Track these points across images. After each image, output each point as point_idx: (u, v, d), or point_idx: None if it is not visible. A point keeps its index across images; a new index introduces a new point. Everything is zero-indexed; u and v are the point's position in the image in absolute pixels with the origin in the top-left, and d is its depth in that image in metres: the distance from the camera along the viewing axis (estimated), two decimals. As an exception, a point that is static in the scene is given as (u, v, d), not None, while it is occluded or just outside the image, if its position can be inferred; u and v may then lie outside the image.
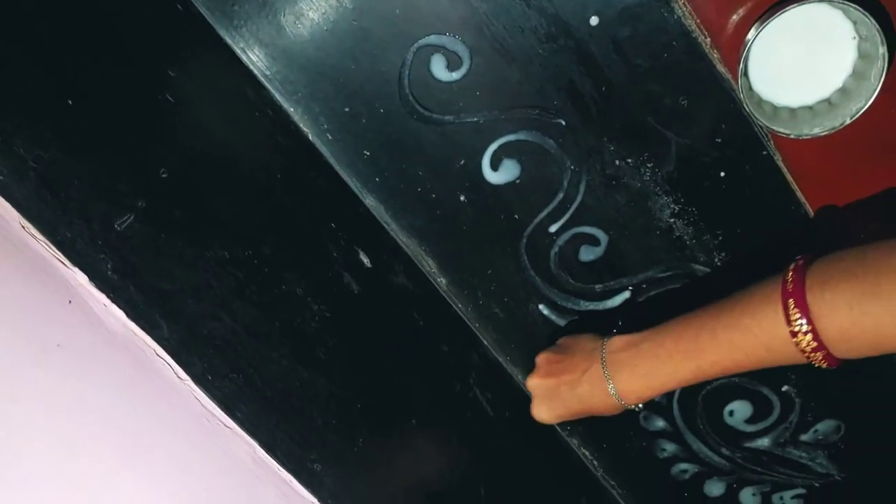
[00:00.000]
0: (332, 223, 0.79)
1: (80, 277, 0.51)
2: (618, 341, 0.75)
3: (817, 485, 0.99)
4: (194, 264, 0.60)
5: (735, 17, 0.73)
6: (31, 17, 0.56)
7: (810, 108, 0.76)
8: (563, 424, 0.99)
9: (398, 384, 0.77)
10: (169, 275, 0.58)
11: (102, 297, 0.52)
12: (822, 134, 0.74)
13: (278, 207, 0.74)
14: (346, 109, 0.81)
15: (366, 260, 0.81)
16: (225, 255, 0.64)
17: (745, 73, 0.73)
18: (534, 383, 0.80)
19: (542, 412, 0.80)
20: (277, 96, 0.80)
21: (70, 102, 0.57)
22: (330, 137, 0.82)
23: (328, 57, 0.78)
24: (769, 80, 0.75)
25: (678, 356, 0.69)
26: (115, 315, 0.52)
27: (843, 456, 0.97)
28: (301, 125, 0.82)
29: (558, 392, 0.78)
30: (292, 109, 0.81)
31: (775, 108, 0.76)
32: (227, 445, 0.56)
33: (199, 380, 0.55)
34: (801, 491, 1.00)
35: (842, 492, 0.99)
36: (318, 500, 0.60)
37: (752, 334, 0.64)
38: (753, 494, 1.02)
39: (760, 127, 0.79)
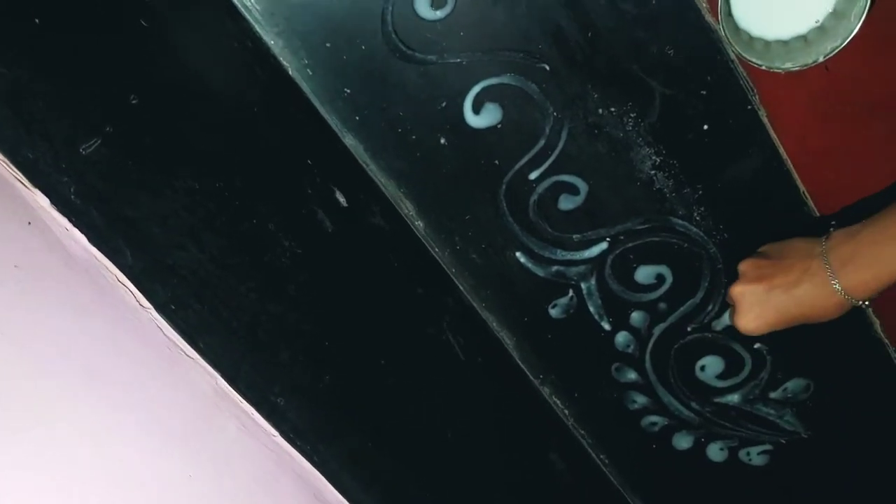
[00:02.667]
0: (309, 160, 0.78)
1: (42, 199, 0.51)
2: (838, 236, 0.71)
3: (784, 441, 1.00)
4: (162, 193, 0.59)
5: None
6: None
7: (785, 42, 0.74)
8: (536, 370, 1.00)
9: (369, 323, 0.77)
10: (135, 202, 0.57)
11: (64, 221, 0.51)
12: (794, 69, 0.73)
13: (253, 141, 0.73)
14: (328, 45, 0.79)
15: (342, 199, 0.80)
16: (195, 186, 0.63)
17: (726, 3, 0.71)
18: (740, 290, 0.77)
19: (751, 321, 0.76)
20: (257, 28, 0.78)
21: (37, 21, 0.55)
22: (310, 73, 0.81)
23: (310, -11, 0.77)
24: (749, 9, 0.73)
25: None
26: (77, 239, 0.52)
27: (810, 414, 0.98)
28: (281, 59, 0.80)
29: (770, 297, 0.74)
30: (272, 42, 0.79)
31: (751, 38, 0.74)
32: (188, 375, 0.55)
33: (161, 308, 0.55)
34: (768, 447, 1.01)
35: (808, 449, 1.00)
36: (280, 433, 0.60)
37: None
38: (721, 449, 1.03)
39: (746, 80, 0.78)
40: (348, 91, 0.82)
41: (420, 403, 0.82)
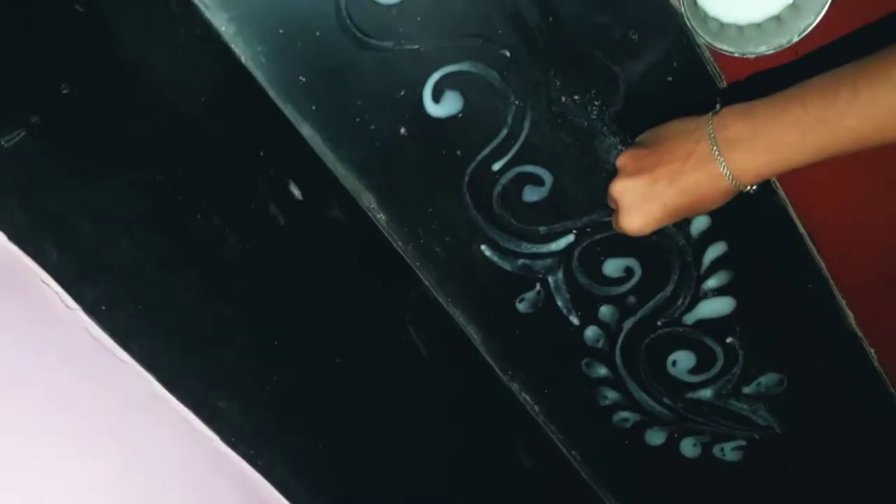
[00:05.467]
0: (262, 152, 0.75)
1: (-45, 196, 0.48)
2: (729, 114, 0.64)
3: (758, 437, 0.98)
4: (95, 187, 0.56)
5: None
6: None
7: (758, 25, 0.71)
8: (504, 366, 0.97)
9: (324, 320, 0.74)
10: (63, 197, 0.54)
11: (-19, 218, 0.48)
12: (769, 52, 0.70)
13: (200, 132, 0.70)
14: (281, 31, 0.76)
15: (297, 192, 0.77)
16: (132, 179, 0.60)
17: None
18: (620, 187, 0.69)
19: (635, 220, 0.68)
20: (207, 14, 0.75)
21: (-45, 5, 0.52)
22: (264, 61, 0.78)
23: (261, -27, 0.73)
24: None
25: (808, 121, 0.59)
26: (-5, 237, 0.49)
27: (784, 409, 0.95)
28: (233, 46, 0.77)
29: (654, 190, 0.67)
30: (223, 28, 0.76)
31: (721, 25, 0.72)
32: (121, 379, 0.53)
33: (90, 310, 0.52)
34: (741, 443, 0.99)
35: (782, 444, 0.98)
36: (220, 438, 0.57)
37: None
38: (694, 445, 1.01)
39: (713, 66, 0.75)
40: (304, 79, 0.79)
41: (379, 402, 0.80)
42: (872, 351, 0.90)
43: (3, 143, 0.52)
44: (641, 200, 0.68)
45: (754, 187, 0.65)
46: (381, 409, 0.80)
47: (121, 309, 0.54)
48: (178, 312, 0.59)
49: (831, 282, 0.86)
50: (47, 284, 0.50)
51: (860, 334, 0.89)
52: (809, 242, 0.84)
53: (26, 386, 0.48)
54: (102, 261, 0.55)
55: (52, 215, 0.53)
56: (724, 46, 0.70)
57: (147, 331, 0.56)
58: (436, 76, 0.78)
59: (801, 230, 0.83)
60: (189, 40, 0.74)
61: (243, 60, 0.78)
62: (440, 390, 0.89)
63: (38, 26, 0.58)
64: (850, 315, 0.88)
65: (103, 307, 0.53)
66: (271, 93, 0.79)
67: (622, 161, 0.71)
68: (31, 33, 0.57)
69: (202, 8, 0.75)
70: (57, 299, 0.51)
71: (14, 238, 0.50)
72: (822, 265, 0.85)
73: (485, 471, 0.95)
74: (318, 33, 0.76)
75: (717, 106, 0.67)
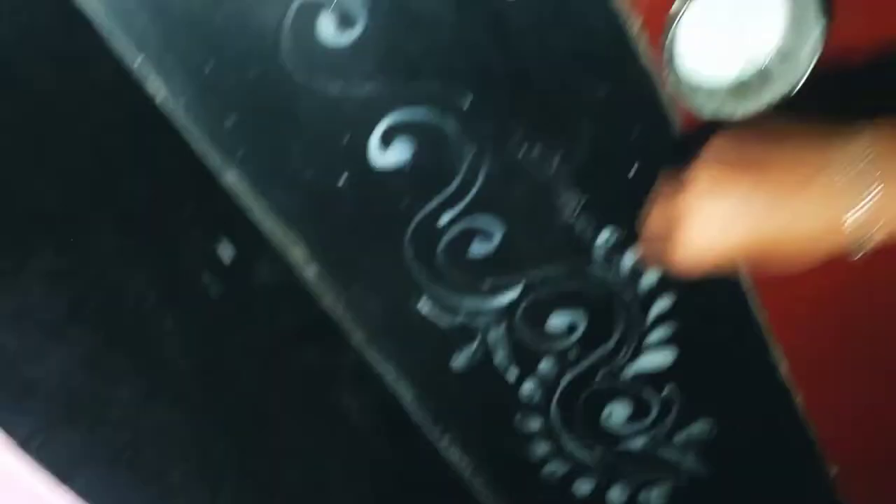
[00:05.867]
0: (187, 211, 0.65)
1: None
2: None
3: (684, 483, 0.98)
4: (8, 288, 0.45)
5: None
6: None
7: (731, 86, 0.69)
8: (435, 422, 0.91)
9: (263, 406, 0.65)
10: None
11: None
12: (741, 117, 0.68)
13: (121, 195, 0.59)
14: (209, 67, 0.66)
15: (225, 254, 0.67)
16: (50, 266, 0.48)
17: (670, 44, 0.65)
18: (696, 195, 0.50)
19: (703, 238, 0.49)
20: (118, 44, 0.63)
21: None
22: (184, 100, 0.67)
23: (188, 2, 0.63)
24: (693, 54, 0.68)
25: None
26: None
27: (712, 456, 0.95)
28: (149, 82, 0.66)
29: (747, 205, 0.48)
30: (138, 61, 0.65)
31: (696, 85, 0.69)
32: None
33: (25, 445, 0.41)
34: (667, 489, 0.98)
35: (707, 489, 0.98)
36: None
37: None
38: (621, 492, 0.99)
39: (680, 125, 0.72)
40: (232, 121, 0.69)
41: (310, 479, 0.72)
42: (799, 398, 0.92)
43: None
44: (723, 214, 0.49)
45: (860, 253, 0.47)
46: (313, 486, 0.71)
47: (56, 439, 0.43)
48: (118, 429, 0.48)
49: (769, 333, 0.86)
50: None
51: (790, 384, 0.90)
52: (753, 296, 0.83)
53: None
54: (30, 378, 0.43)
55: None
56: (697, 104, 0.67)
57: (88, 460, 0.45)
58: (385, 122, 0.70)
59: (747, 284, 0.83)
60: (97, 78, 0.62)
61: (159, 99, 0.67)
62: (371, 459, 0.82)
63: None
64: (784, 362, 0.89)
65: (38, 441, 0.42)
66: (193, 135, 0.69)
67: (702, 171, 0.52)
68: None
69: (112, 39, 0.63)
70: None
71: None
72: (763, 316, 0.85)
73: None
74: (251, 73, 0.66)
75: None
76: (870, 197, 0.44)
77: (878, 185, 0.43)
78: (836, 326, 0.87)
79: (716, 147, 0.55)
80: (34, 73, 0.58)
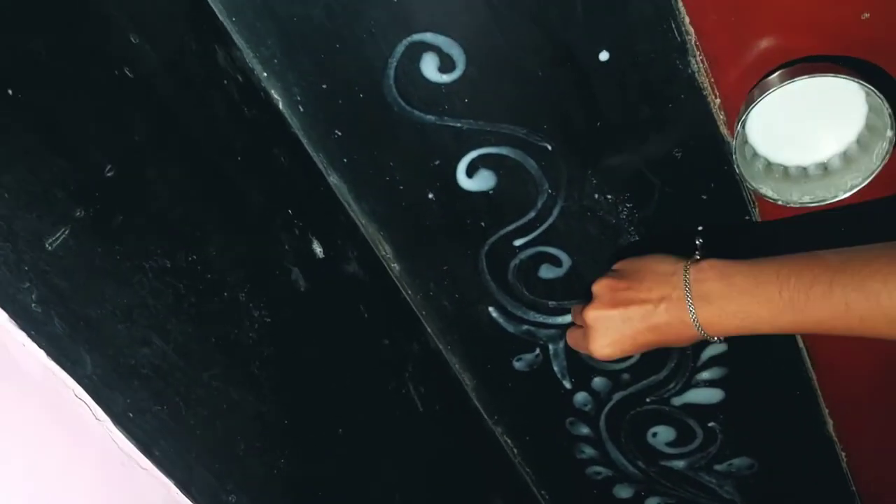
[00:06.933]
0: (290, 209, 0.75)
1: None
2: (708, 270, 0.65)
3: (720, 507, 1.03)
4: (129, 280, 0.56)
5: (754, 88, 0.67)
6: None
7: (805, 171, 0.72)
8: (490, 412, 1.00)
9: (332, 390, 0.75)
10: (99, 297, 0.53)
11: (21, 336, 0.48)
12: (811, 205, 0.71)
13: (232, 196, 0.69)
14: (324, 86, 0.75)
15: (319, 249, 0.77)
16: (166, 264, 0.59)
17: (744, 125, 0.68)
18: (594, 315, 0.71)
19: (605, 347, 0.71)
20: (249, 58, 0.73)
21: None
22: (301, 110, 0.76)
23: (312, 29, 0.71)
24: (767, 136, 0.71)
25: (780, 304, 0.60)
26: (34, 355, 0.49)
27: (750, 489, 1.00)
28: (272, 91, 0.75)
29: (626, 325, 0.69)
30: (265, 74, 0.74)
31: (768, 165, 0.72)
32: (141, 489, 0.54)
33: (118, 419, 0.53)
34: (703, 509, 1.04)
35: (741, 518, 1.03)
36: (228, 535, 0.59)
37: (877, 302, 0.54)
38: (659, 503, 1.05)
39: (749, 193, 0.75)
40: (339, 133, 0.78)
41: (375, 465, 0.81)
42: (844, 454, 0.94)
43: (47, 245, 0.51)
44: (613, 331, 0.70)
45: (721, 339, 0.67)
46: (378, 471, 0.81)
47: (147, 413, 0.55)
48: (198, 406, 0.59)
49: (819, 391, 0.89)
50: (80, 399, 0.51)
51: (836, 439, 0.93)
52: (805, 354, 0.86)
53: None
54: (133, 363, 0.55)
55: (87, 320, 0.52)
56: (766, 191, 0.70)
57: (169, 433, 0.56)
58: (473, 154, 0.77)
59: (800, 343, 0.85)
60: (229, 91, 0.72)
61: (280, 107, 0.76)
62: (432, 441, 0.92)
63: (85, 95, 0.57)
64: (830, 422, 0.91)
65: (130, 414, 0.54)
66: (304, 140, 0.78)
67: (598, 288, 0.72)
68: (78, 106, 0.56)
69: (245, 54, 0.73)
70: (88, 413, 0.51)
71: (52, 353, 0.50)
72: (813, 375, 0.88)
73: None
74: (361, 95, 0.75)
75: (696, 252, 0.68)
76: (693, 311, 0.65)
77: (693, 302, 0.65)
78: (884, 393, 0.88)
79: (604, 277, 0.72)
80: (182, 94, 0.68)
